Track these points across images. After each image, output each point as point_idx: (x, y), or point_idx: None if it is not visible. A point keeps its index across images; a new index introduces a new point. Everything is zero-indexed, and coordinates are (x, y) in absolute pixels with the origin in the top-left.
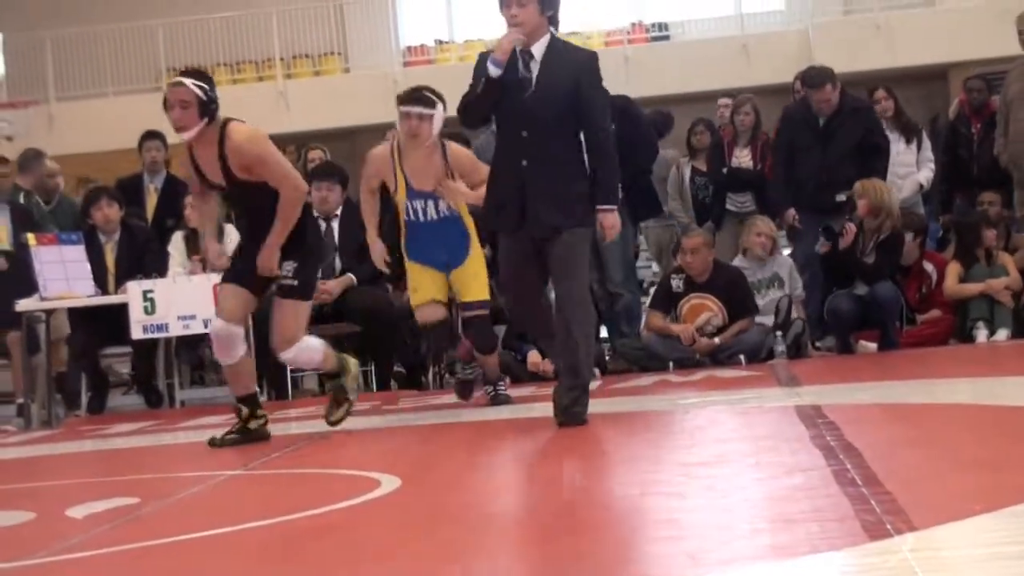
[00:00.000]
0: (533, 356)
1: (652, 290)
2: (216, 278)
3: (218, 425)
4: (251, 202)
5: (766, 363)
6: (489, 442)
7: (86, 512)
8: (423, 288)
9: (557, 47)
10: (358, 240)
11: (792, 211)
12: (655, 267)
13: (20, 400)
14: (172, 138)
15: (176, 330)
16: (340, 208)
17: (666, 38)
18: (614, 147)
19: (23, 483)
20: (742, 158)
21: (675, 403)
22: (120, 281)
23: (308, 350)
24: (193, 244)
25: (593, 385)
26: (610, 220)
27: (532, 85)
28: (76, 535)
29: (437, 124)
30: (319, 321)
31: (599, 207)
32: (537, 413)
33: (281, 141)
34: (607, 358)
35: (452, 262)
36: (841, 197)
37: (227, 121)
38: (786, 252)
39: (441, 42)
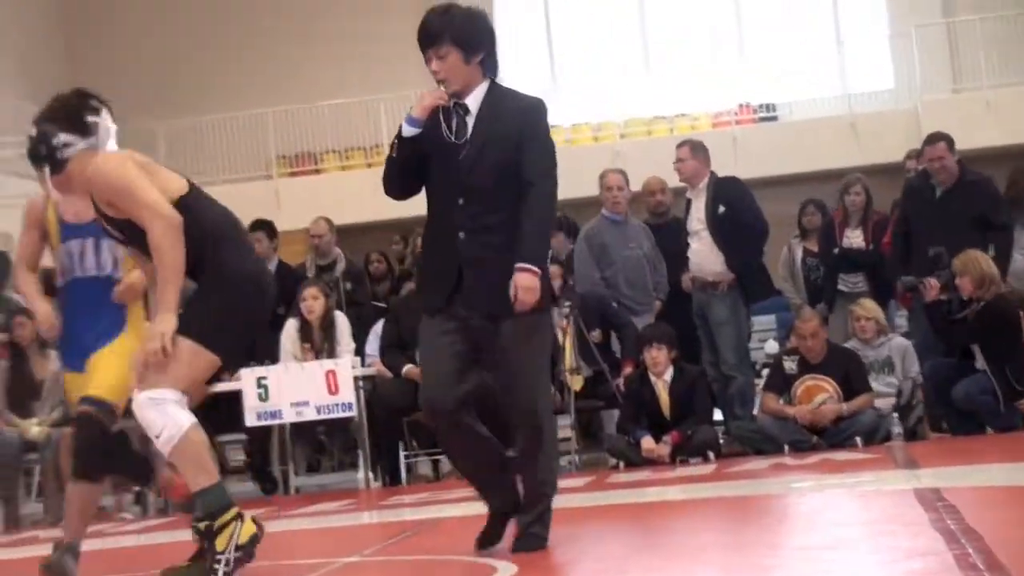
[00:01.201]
0: (647, 442)
1: (765, 371)
2: (330, 364)
3: (334, 512)
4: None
5: (883, 445)
6: (600, 528)
7: None
8: None
9: (497, 96)
10: None
11: (903, 285)
12: (768, 347)
13: (137, 488)
14: (281, 226)
15: (289, 416)
16: None
17: (774, 119)
18: (551, 204)
19: (144, 571)
20: (853, 238)
21: (791, 486)
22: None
23: (166, 420)
24: (305, 332)
25: (706, 469)
26: (524, 280)
27: (466, 143)
28: None
29: None
30: None
31: (516, 264)
32: (651, 497)
33: (388, 228)
34: (721, 440)
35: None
36: (936, 251)
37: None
38: (901, 330)
39: (551, 126)
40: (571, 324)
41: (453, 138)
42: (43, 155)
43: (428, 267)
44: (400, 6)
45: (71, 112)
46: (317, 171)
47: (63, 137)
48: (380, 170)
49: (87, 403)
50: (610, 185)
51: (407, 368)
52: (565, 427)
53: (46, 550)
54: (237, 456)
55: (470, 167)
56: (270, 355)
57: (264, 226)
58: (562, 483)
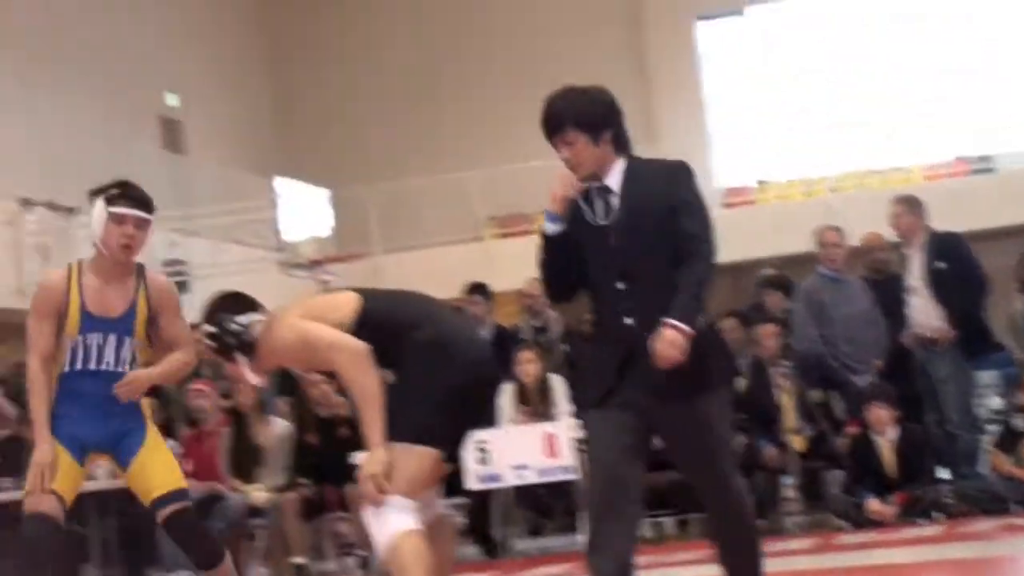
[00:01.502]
0: (873, 503)
1: (990, 427)
2: (548, 427)
3: (556, 575)
4: None
5: None
6: None
7: None
8: None
9: (636, 169)
10: None
11: None
12: (993, 403)
13: (361, 552)
14: (496, 287)
15: (510, 480)
16: None
17: (989, 170)
18: (707, 267)
19: None
20: None
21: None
22: None
23: (382, 527)
24: (522, 395)
25: (934, 530)
26: (669, 334)
27: (615, 224)
28: None
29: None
30: (657, 468)
31: (664, 319)
32: (878, 559)
33: None
34: (947, 500)
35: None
36: None
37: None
38: None
39: (762, 182)
40: (791, 383)
41: (599, 221)
42: (234, 345)
43: (596, 356)
44: (608, 66)
45: (231, 298)
46: (528, 232)
47: (241, 319)
48: None
49: (174, 501)
50: (826, 242)
51: None
52: (788, 487)
53: None
54: (457, 519)
55: (623, 248)
56: (489, 420)
57: (479, 289)
58: (786, 544)
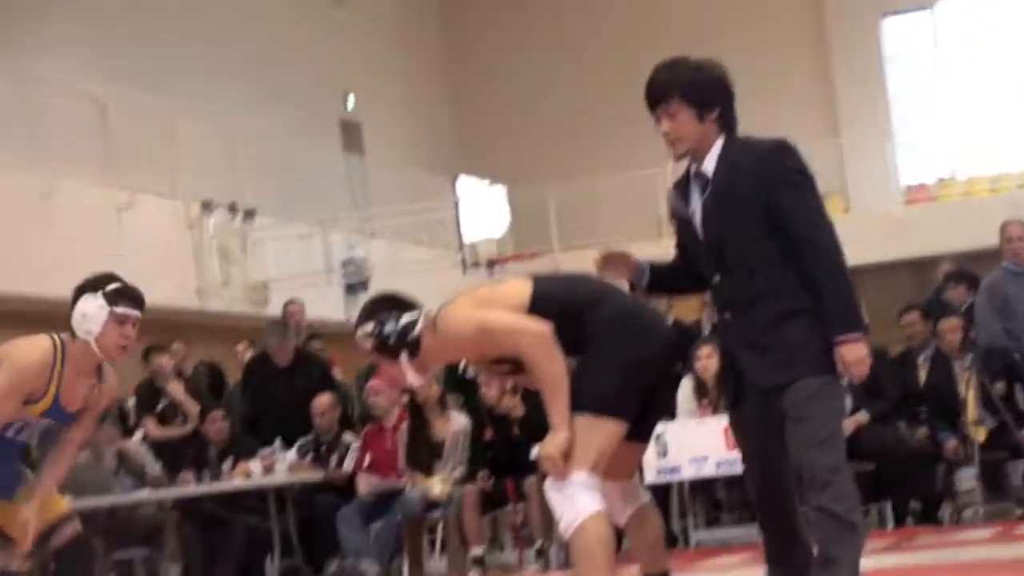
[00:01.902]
0: None
1: None
2: (727, 420)
3: (734, 566)
4: None
5: None
6: None
7: None
8: None
9: (733, 150)
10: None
11: None
12: None
13: (540, 543)
14: None
15: (689, 473)
16: None
17: None
18: (831, 254)
19: None
20: None
21: None
22: None
23: (566, 505)
24: (700, 389)
25: None
26: (852, 353)
27: (704, 212)
28: None
29: None
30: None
31: (834, 337)
32: None
33: None
34: None
35: None
36: None
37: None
38: None
39: (943, 179)
40: (973, 376)
41: (691, 210)
42: (396, 344)
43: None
44: (791, 63)
45: (390, 298)
46: None
47: (404, 319)
48: None
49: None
50: (1011, 236)
51: None
52: (970, 478)
53: None
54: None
55: (714, 238)
56: (669, 411)
57: None
58: (967, 534)
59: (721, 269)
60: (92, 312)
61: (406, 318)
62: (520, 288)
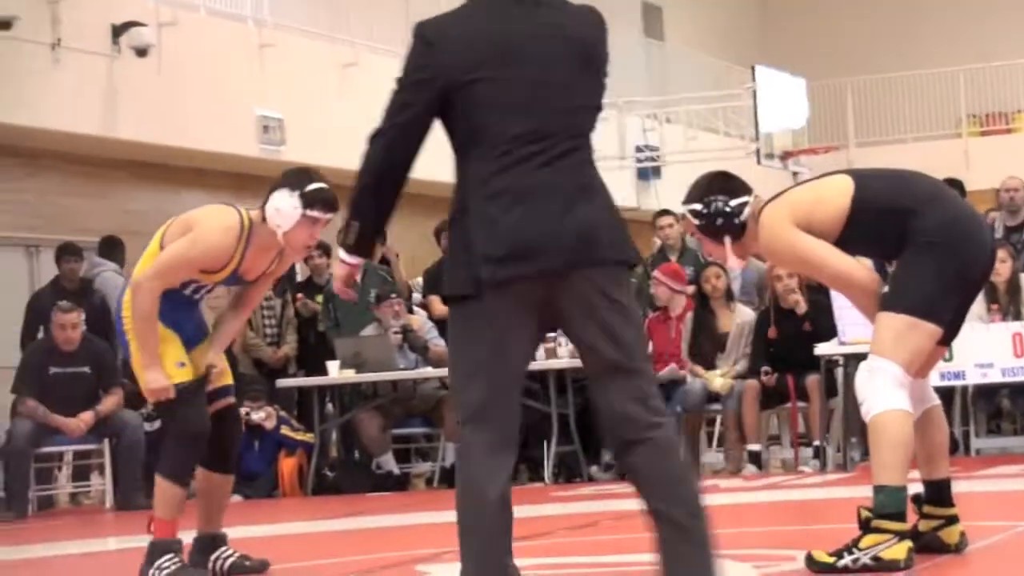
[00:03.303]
0: None
1: None
2: (1017, 327)
3: (1014, 475)
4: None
5: None
6: None
7: None
8: None
9: None
10: None
11: None
12: None
13: (817, 442)
14: (970, 186)
15: (973, 378)
16: None
17: None
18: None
19: (822, 524)
20: None
21: None
22: None
23: (873, 393)
24: (991, 294)
25: None
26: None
27: None
28: None
29: None
30: None
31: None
32: None
33: None
34: None
35: None
36: None
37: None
38: None
39: None
40: None
41: None
42: (722, 226)
43: None
44: None
45: (724, 177)
46: (1009, 130)
47: (733, 203)
48: None
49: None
50: None
51: None
52: None
53: (722, 499)
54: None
55: None
56: None
57: (955, 186)
58: None
59: None
60: (286, 210)
61: (735, 202)
62: (842, 190)
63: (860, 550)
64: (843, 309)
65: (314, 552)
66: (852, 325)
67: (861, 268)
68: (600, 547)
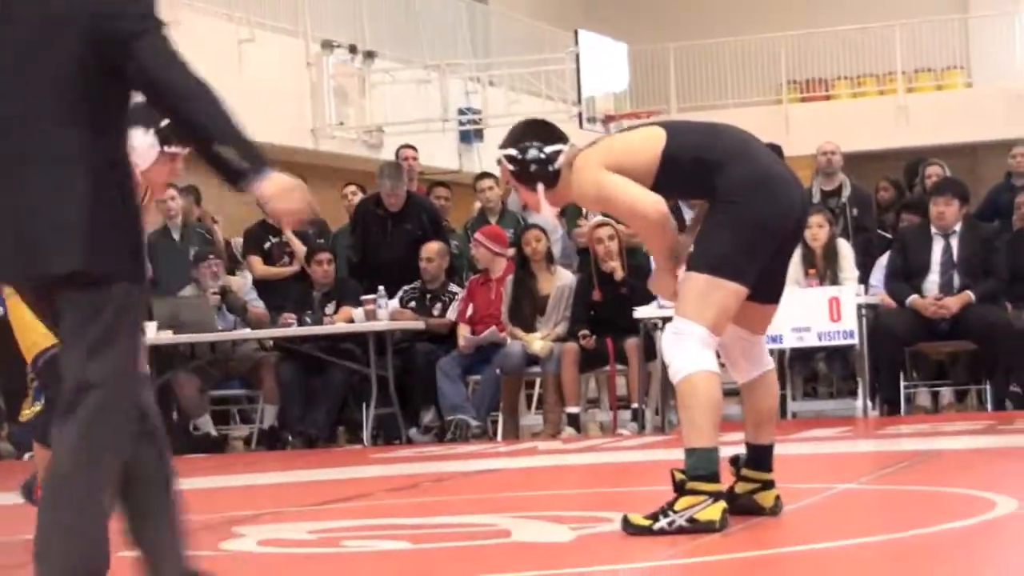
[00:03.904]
0: None
1: None
2: (833, 291)
3: (830, 438)
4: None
5: None
6: None
7: None
8: None
9: None
10: (977, 256)
11: None
12: None
13: (636, 405)
14: (789, 152)
15: (790, 342)
16: (959, 224)
17: None
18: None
19: (640, 487)
20: None
21: None
22: None
23: (678, 354)
24: (808, 258)
25: None
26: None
27: None
28: (693, 540)
29: None
30: (937, 338)
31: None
32: None
33: (899, 156)
34: None
35: None
36: None
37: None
38: None
39: None
40: None
41: None
42: (535, 173)
43: None
44: None
45: (540, 124)
46: (828, 97)
47: (548, 149)
48: (893, 98)
49: None
50: None
51: (912, 298)
52: None
53: (541, 461)
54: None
55: None
56: None
57: (774, 150)
58: None
59: None
60: (143, 148)
61: (549, 148)
62: (654, 140)
63: (675, 512)
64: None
65: None
66: None
67: (650, 201)
68: (421, 509)
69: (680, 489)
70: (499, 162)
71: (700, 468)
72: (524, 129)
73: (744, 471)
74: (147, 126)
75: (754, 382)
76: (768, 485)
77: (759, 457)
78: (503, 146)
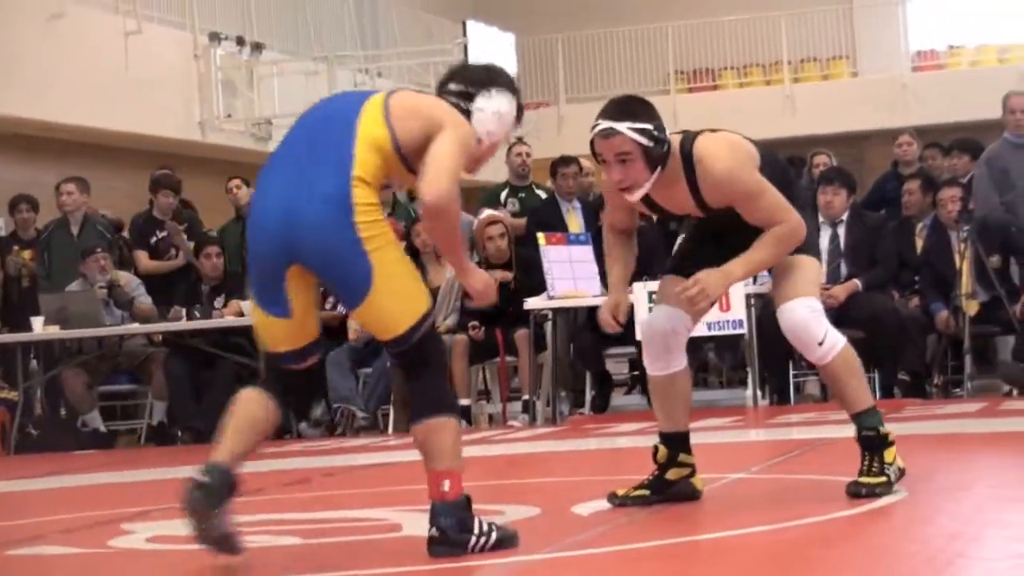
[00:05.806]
0: None
1: None
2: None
3: (721, 428)
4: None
5: None
6: (991, 455)
7: (592, 510)
8: None
9: None
10: (864, 245)
11: None
12: None
13: (526, 396)
14: None
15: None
16: (846, 213)
17: None
18: None
19: (530, 478)
20: None
21: None
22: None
23: (828, 329)
24: None
25: None
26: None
27: None
28: (582, 532)
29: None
30: None
31: None
32: None
33: (786, 145)
34: None
35: None
36: None
37: (695, 140)
38: None
39: (953, 47)
40: (969, 248)
41: None
42: (659, 157)
43: None
44: None
45: (648, 104)
46: (715, 87)
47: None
48: (779, 87)
49: None
50: (1013, 108)
51: None
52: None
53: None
54: (622, 370)
55: None
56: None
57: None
58: (953, 408)
59: None
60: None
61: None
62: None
63: (890, 465)
64: (553, 264)
65: (13, 512)
66: (561, 280)
67: (798, 217)
68: (314, 503)
69: (875, 444)
70: (607, 134)
71: (877, 422)
72: (651, 108)
73: (682, 457)
74: (513, 93)
75: (681, 372)
76: (695, 469)
77: (687, 442)
78: (634, 118)
